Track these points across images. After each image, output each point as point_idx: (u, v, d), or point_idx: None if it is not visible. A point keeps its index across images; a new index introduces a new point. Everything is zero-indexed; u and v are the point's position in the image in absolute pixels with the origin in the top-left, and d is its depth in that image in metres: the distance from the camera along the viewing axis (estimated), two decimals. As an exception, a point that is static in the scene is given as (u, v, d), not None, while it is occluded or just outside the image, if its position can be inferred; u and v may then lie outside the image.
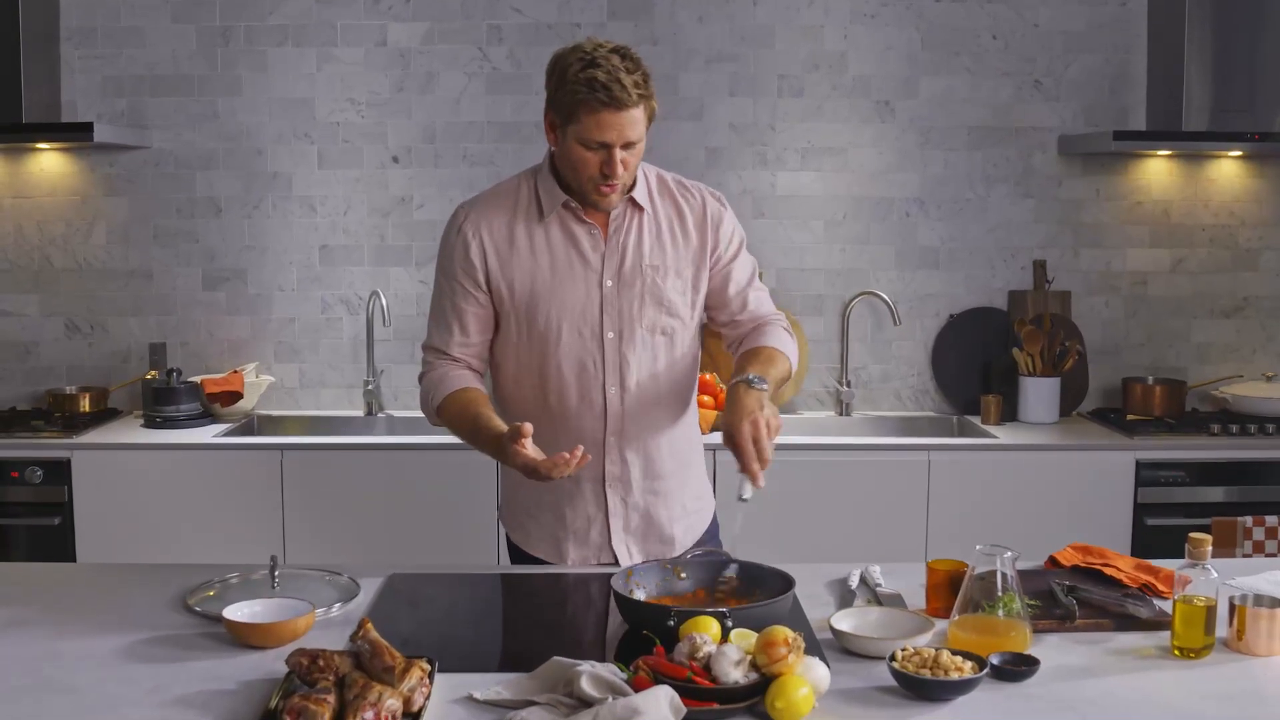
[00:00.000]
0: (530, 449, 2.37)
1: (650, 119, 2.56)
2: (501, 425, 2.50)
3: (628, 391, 2.66)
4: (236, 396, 4.39)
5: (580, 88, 2.45)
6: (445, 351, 2.71)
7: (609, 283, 2.64)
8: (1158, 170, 4.64)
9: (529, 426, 2.37)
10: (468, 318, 2.68)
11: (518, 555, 2.84)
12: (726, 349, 2.83)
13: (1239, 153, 4.46)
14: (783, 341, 2.72)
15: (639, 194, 2.66)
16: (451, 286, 2.69)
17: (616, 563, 2.71)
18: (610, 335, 2.64)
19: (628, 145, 2.51)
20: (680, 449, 2.80)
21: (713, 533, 2.89)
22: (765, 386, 2.48)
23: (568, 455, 2.34)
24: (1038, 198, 4.64)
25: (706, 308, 2.77)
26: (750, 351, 2.68)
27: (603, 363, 2.64)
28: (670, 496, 2.77)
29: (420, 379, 2.75)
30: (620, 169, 2.52)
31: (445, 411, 2.66)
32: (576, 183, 2.58)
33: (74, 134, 4.22)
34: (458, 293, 2.68)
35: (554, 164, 2.65)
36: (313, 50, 4.53)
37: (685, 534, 2.80)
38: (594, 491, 2.71)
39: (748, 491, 2.36)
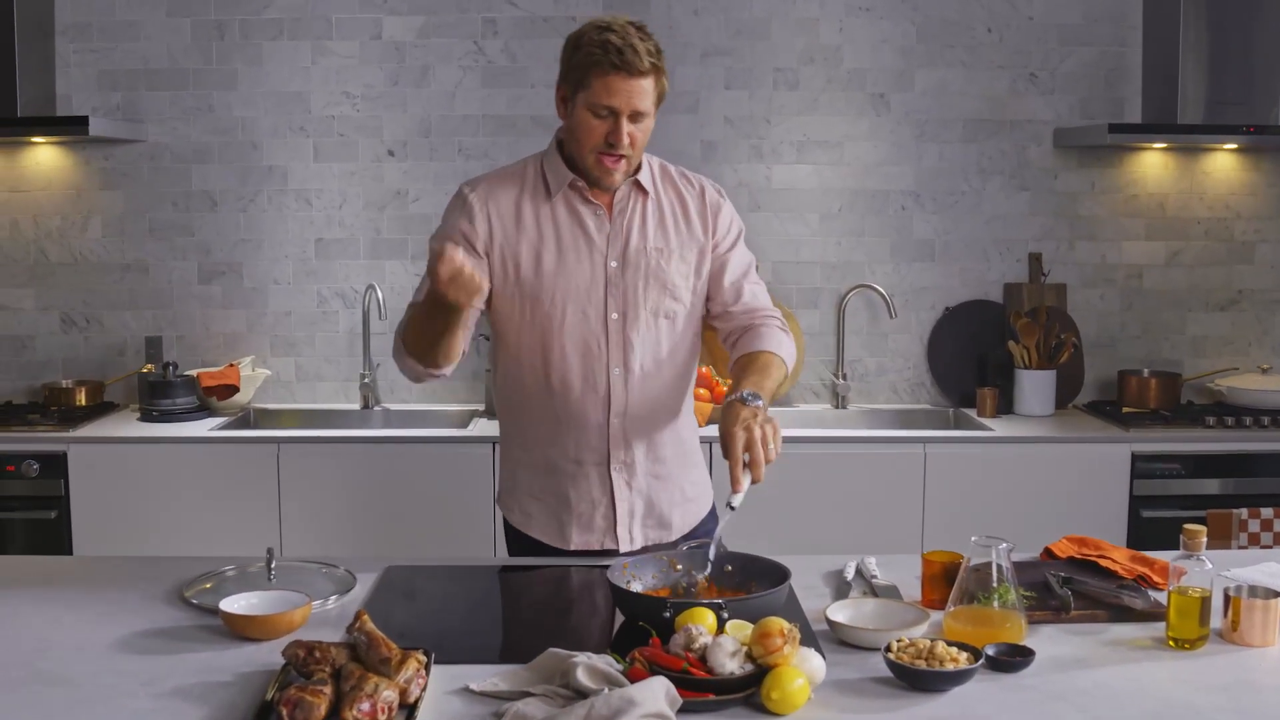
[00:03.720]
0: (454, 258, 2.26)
1: (660, 98, 2.57)
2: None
3: (631, 374, 2.65)
4: (233, 390, 4.39)
5: (595, 49, 2.48)
6: None
7: (614, 264, 2.63)
8: (1153, 163, 4.64)
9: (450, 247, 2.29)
10: None
11: (516, 539, 2.82)
12: (722, 343, 2.79)
13: (1234, 145, 4.46)
14: (778, 343, 2.68)
15: (644, 178, 2.66)
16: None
17: (617, 549, 2.71)
18: (614, 316, 2.63)
19: (635, 117, 2.52)
20: (681, 435, 2.80)
21: (710, 524, 2.88)
22: (760, 403, 2.42)
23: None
24: (1033, 190, 4.64)
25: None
26: (745, 359, 2.65)
27: (606, 344, 2.64)
28: (670, 481, 2.77)
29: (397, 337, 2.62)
30: (625, 140, 2.52)
31: (408, 331, 2.53)
32: (580, 155, 2.58)
33: (69, 128, 4.20)
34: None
35: (561, 146, 2.65)
36: (307, 44, 4.52)
37: (682, 520, 2.80)
38: (599, 475, 2.70)
39: (736, 500, 2.35)
